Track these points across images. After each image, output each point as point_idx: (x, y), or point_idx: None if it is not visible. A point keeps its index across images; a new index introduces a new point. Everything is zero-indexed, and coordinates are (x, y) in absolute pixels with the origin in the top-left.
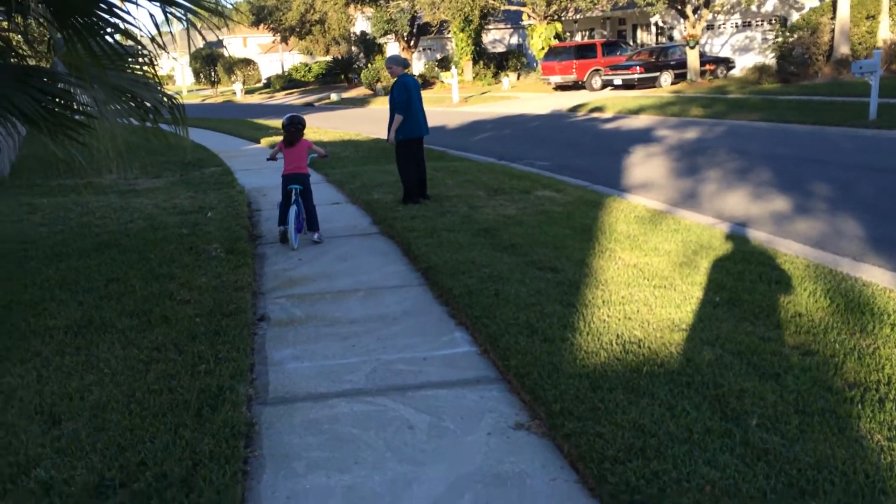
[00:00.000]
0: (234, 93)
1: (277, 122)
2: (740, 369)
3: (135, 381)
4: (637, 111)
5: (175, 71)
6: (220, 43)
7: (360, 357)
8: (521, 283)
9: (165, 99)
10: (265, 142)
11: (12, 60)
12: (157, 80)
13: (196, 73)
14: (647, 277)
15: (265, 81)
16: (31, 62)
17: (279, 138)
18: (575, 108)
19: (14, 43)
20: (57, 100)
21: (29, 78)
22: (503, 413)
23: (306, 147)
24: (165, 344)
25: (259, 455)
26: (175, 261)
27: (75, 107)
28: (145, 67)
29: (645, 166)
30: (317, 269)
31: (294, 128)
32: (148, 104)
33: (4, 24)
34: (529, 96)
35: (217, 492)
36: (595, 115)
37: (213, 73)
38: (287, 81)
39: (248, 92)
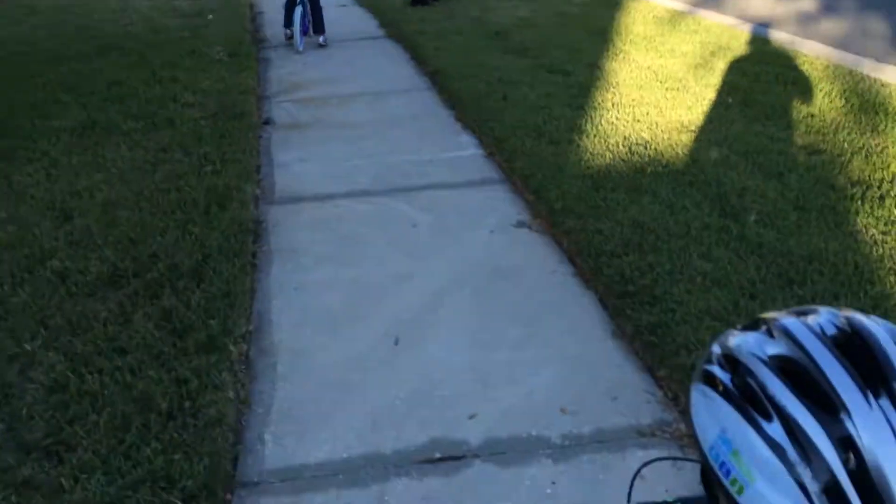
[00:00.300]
0: None
1: None
2: (745, 168)
3: (143, 180)
4: None
5: None
6: None
7: (365, 159)
8: (530, 86)
9: None
10: None
11: None
12: None
13: None
14: (661, 80)
15: None
16: None
17: None
18: None
19: None
20: None
21: None
22: (506, 212)
23: None
24: (171, 145)
25: (267, 250)
26: (177, 64)
27: None
28: None
29: None
30: (322, 72)
31: None
32: None
33: None
34: None
35: (227, 282)
36: None
37: None
38: None
39: None
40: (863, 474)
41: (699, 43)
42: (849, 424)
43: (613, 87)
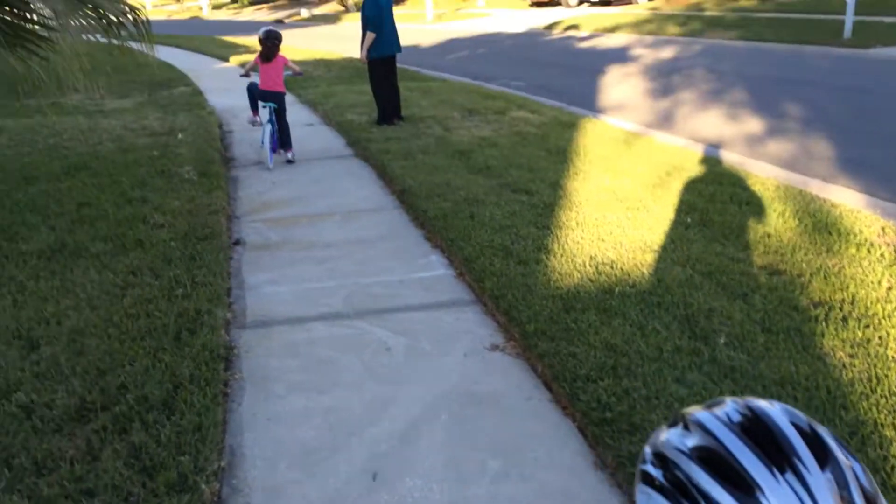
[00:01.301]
0: (201, 8)
1: (246, 40)
2: (710, 289)
3: (111, 305)
4: (613, 29)
5: None
6: None
7: (336, 281)
8: (496, 205)
9: (128, 11)
10: (234, 60)
11: None
12: None
13: None
14: (621, 199)
15: None
16: None
17: (251, 57)
18: (551, 27)
19: None
20: (14, 9)
21: None
22: (478, 334)
23: (283, 63)
24: (141, 268)
25: (239, 377)
26: (147, 184)
27: (33, 17)
28: None
29: (620, 87)
30: (292, 192)
31: (271, 42)
32: (111, 16)
33: None
34: (505, 13)
35: (198, 414)
36: (571, 33)
37: None
38: None
39: (216, 7)
40: None
41: (654, 163)
42: (763, 500)
43: (576, 207)
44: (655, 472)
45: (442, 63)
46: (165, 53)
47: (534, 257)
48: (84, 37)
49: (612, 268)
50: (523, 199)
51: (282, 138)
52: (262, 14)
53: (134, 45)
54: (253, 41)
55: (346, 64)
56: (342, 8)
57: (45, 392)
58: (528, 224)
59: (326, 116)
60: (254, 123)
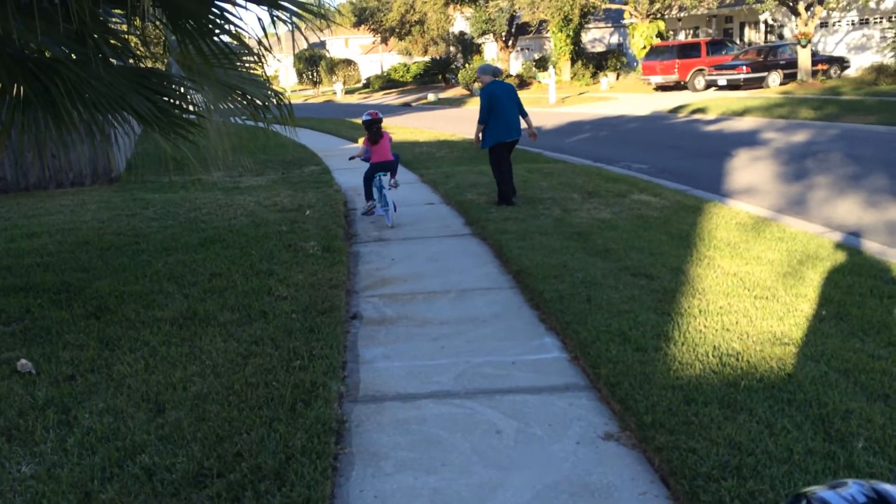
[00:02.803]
0: (335, 92)
1: None
2: (846, 388)
3: (234, 373)
4: (742, 113)
5: (280, 72)
6: (322, 44)
7: (449, 359)
8: (614, 289)
9: (273, 96)
10: (361, 141)
11: (130, 62)
12: (265, 79)
13: (299, 74)
14: (748, 287)
15: (365, 81)
16: (148, 63)
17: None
18: (676, 110)
19: (132, 45)
20: (170, 100)
21: (144, 79)
22: (592, 422)
23: (388, 138)
24: (263, 338)
25: (349, 452)
26: (274, 257)
27: (188, 106)
28: (253, 66)
29: (749, 170)
30: (409, 269)
31: (376, 126)
32: (258, 101)
33: (123, 26)
34: (629, 97)
35: (308, 486)
36: (697, 116)
37: (315, 74)
38: (386, 81)
39: (349, 92)
40: None
41: (786, 250)
42: None
43: (699, 293)
44: None
45: (563, 145)
46: (300, 134)
47: (653, 345)
48: (232, 119)
49: (737, 360)
50: (643, 284)
51: (386, 195)
52: (391, 98)
53: (277, 127)
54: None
55: (468, 145)
56: (467, 92)
57: (167, 455)
58: (647, 310)
59: (447, 196)
60: (368, 212)
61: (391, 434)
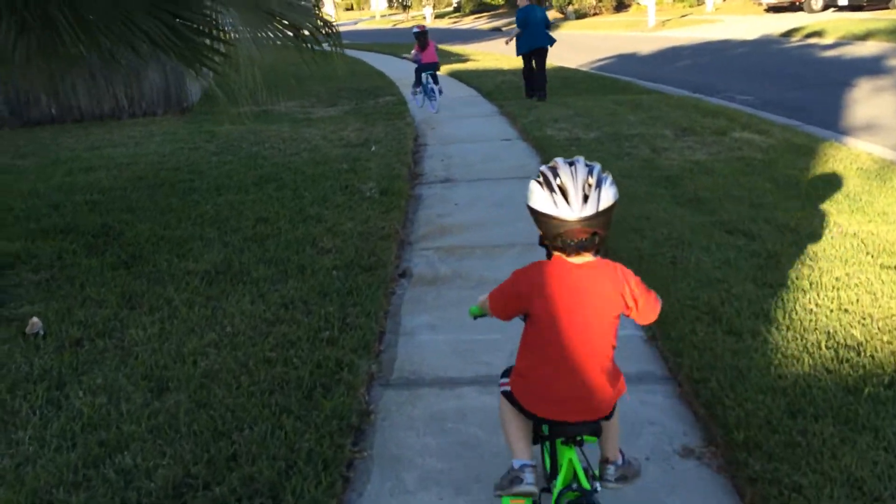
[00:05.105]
0: (424, 17)
1: (461, 49)
2: None
3: (253, 345)
4: (864, 37)
5: None
6: None
7: (503, 332)
8: (705, 249)
9: (323, 26)
10: (445, 69)
11: None
12: (315, 3)
13: None
14: (873, 253)
15: (456, 5)
16: None
17: (458, 65)
18: (788, 33)
19: None
20: (192, 24)
21: (160, 1)
22: (668, 429)
23: (434, 45)
24: (295, 300)
25: (367, 456)
26: (327, 200)
27: (215, 32)
28: None
29: (871, 103)
30: (473, 216)
31: (424, 37)
32: (302, 31)
33: None
34: (736, 19)
35: None
36: (812, 40)
37: None
38: (477, 4)
39: (438, 16)
40: None
41: None
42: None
43: (810, 260)
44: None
45: (660, 73)
46: (380, 61)
47: (749, 327)
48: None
49: (859, 353)
50: (740, 244)
51: (433, 88)
52: (481, 22)
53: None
54: (465, 49)
55: (555, 73)
56: (561, 15)
57: (152, 454)
58: (744, 279)
59: (524, 131)
60: (415, 94)
61: (422, 433)
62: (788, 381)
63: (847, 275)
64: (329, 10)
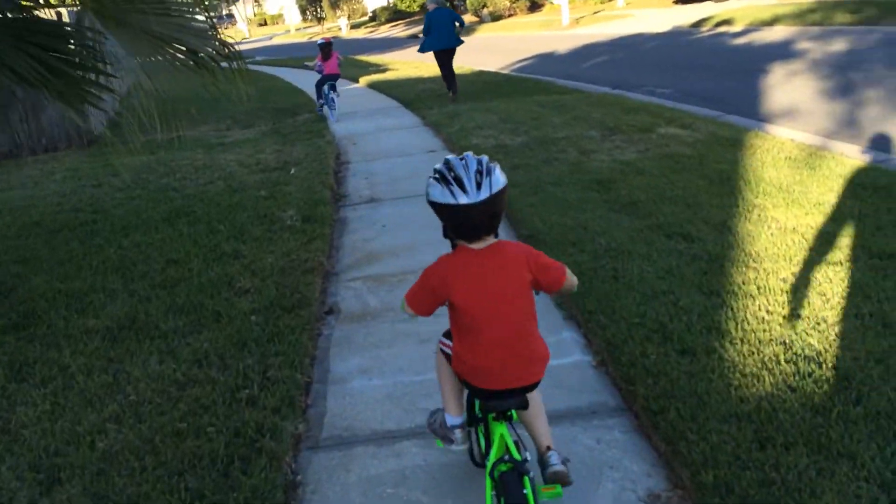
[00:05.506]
0: (340, 28)
1: (379, 59)
2: None
3: (161, 415)
4: (772, 22)
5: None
6: None
7: None
8: (645, 257)
9: (221, 46)
10: (363, 81)
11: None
12: (212, 24)
13: (302, 11)
14: (815, 248)
15: (371, 14)
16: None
17: (378, 75)
18: (698, 24)
19: None
20: (66, 57)
21: (27, 31)
22: (629, 472)
23: (336, 56)
24: (209, 355)
25: None
26: (245, 233)
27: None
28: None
29: (786, 88)
30: (401, 238)
31: (328, 48)
32: (200, 54)
33: None
34: (647, 13)
35: None
36: (722, 29)
37: (318, 10)
38: (393, 13)
39: (354, 27)
40: None
41: (851, 192)
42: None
43: (753, 260)
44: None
45: (578, 71)
46: (299, 77)
47: (702, 344)
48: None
49: (820, 366)
50: (681, 248)
51: (333, 98)
52: (398, 30)
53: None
54: (382, 58)
55: (475, 78)
56: (476, 19)
57: None
58: (689, 287)
59: (450, 141)
60: (320, 108)
61: None
62: (752, 404)
63: (793, 275)
64: (241, 26)
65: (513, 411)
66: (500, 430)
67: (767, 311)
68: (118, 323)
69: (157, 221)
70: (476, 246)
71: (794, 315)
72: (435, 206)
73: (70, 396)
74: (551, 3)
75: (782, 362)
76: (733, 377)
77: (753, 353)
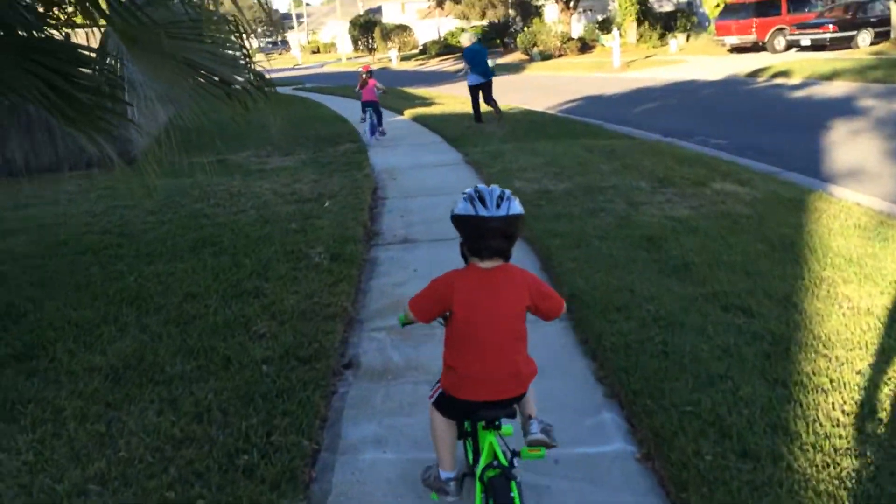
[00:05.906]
0: (390, 59)
1: (426, 91)
2: None
3: (149, 478)
4: (831, 76)
5: (336, 39)
6: (378, 9)
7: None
8: (699, 331)
9: (252, 76)
10: (408, 114)
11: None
12: (246, 54)
13: (354, 41)
14: (893, 335)
15: (421, 47)
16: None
17: (422, 109)
18: (754, 73)
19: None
20: (80, 81)
21: (35, 51)
22: None
23: (373, 84)
24: (212, 408)
25: None
26: (269, 269)
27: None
28: (230, 37)
29: (850, 147)
30: None
31: (367, 76)
32: (233, 85)
33: None
34: (701, 60)
35: None
36: (779, 80)
37: (370, 40)
38: (443, 47)
39: (404, 58)
40: None
41: None
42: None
43: (824, 346)
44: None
45: (628, 115)
46: (345, 106)
47: (767, 447)
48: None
49: None
50: (740, 324)
51: (378, 124)
52: (447, 64)
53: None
54: (429, 92)
55: (522, 117)
56: (526, 57)
57: None
58: (751, 373)
59: (491, 182)
60: (363, 120)
61: None
62: None
63: (870, 367)
64: (295, 52)
65: (500, 420)
66: (489, 438)
67: (843, 412)
68: (124, 362)
69: (183, 250)
70: (486, 265)
71: (874, 420)
72: (458, 218)
73: (57, 447)
74: (602, 45)
75: (864, 481)
76: (805, 495)
77: (829, 466)
